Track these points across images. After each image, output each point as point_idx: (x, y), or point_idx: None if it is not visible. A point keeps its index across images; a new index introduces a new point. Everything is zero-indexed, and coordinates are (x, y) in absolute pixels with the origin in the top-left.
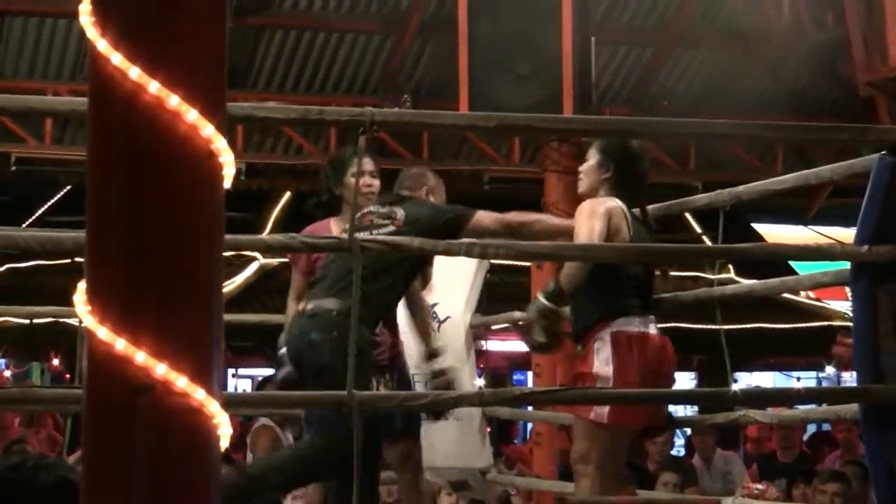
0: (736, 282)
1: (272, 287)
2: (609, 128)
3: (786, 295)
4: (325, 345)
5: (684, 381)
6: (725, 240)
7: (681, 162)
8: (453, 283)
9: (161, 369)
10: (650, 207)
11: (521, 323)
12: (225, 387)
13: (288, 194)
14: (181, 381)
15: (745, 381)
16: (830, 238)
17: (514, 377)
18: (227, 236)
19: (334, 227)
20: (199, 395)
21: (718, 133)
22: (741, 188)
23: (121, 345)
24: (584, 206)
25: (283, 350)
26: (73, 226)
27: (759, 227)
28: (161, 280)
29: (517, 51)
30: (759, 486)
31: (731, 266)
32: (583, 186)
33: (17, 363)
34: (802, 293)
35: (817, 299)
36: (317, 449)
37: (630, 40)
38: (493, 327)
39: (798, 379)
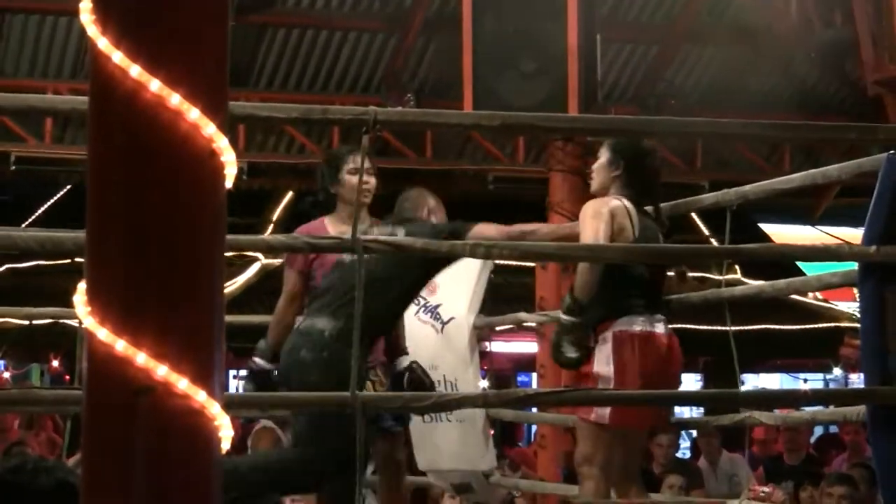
0: (743, 282)
1: (274, 288)
2: (615, 127)
3: (793, 296)
4: (314, 365)
5: (690, 382)
6: (732, 240)
7: (687, 161)
8: (457, 284)
9: (162, 371)
10: None
11: (551, 345)
12: (226, 388)
13: (290, 194)
14: (182, 383)
15: (751, 382)
16: (838, 238)
17: (518, 378)
18: (229, 236)
19: (329, 226)
20: (200, 396)
21: (725, 132)
22: (748, 187)
23: (121, 346)
24: (588, 208)
25: (259, 360)
26: (74, 226)
27: (766, 227)
28: (162, 280)
29: (522, 48)
30: (766, 489)
31: (737, 266)
32: (594, 184)
33: (16, 364)
34: (810, 294)
35: (825, 300)
36: (291, 462)
37: (636, 37)
38: (497, 328)
39: (805, 380)
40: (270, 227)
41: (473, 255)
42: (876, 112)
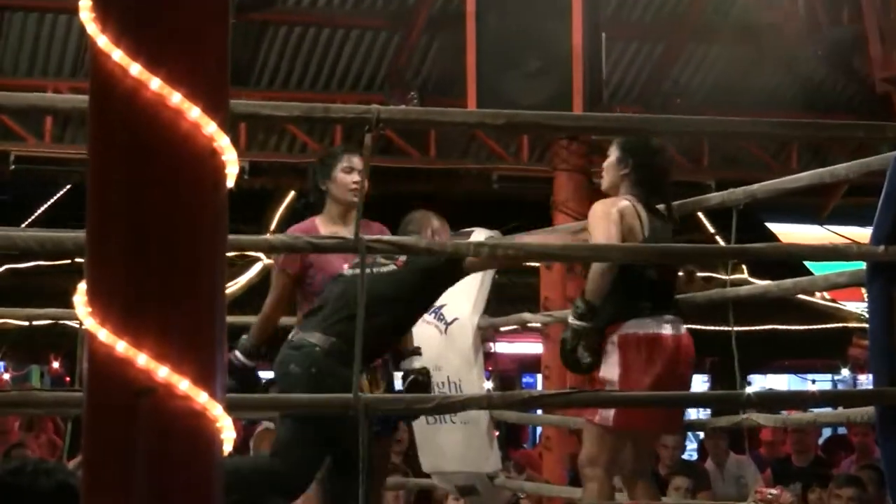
0: (750, 282)
1: None
2: (620, 126)
3: (800, 296)
4: (301, 380)
5: (697, 383)
6: (739, 239)
7: (694, 160)
8: (461, 284)
9: (163, 372)
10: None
11: (563, 352)
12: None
13: (292, 193)
14: (183, 384)
15: (759, 383)
16: (846, 238)
17: (523, 380)
18: (230, 236)
19: (320, 227)
20: (201, 398)
21: (732, 131)
22: (755, 186)
23: (122, 347)
24: (597, 209)
25: (240, 355)
26: (74, 226)
27: (774, 227)
28: (163, 281)
29: (526, 47)
30: (773, 491)
31: (744, 266)
32: (604, 183)
33: (16, 366)
34: (817, 294)
35: (832, 300)
36: (275, 468)
37: (641, 36)
38: (502, 329)
39: (813, 381)
40: (272, 226)
41: (477, 256)
42: (884, 110)
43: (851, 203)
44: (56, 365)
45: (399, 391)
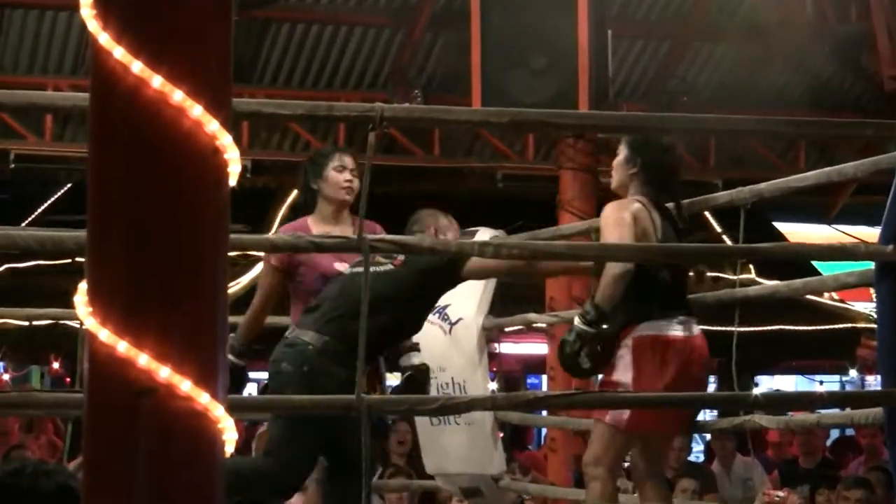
0: (757, 282)
1: None
2: (626, 124)
3: (808, 296)
4: (293, 378)
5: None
6: (746, 239)
7: (701, 159)
8: (466, 284)
9: (164, 372)
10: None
11: (563, 354)
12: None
13: (295, 192)
14: (185, 385)
15: (766, 384)
16: (854, 237)
17: (528, 381)
18: (233, 235)
19: (312, 226)
20: (203, 398)
21: (739, 129)
22: (762, 185)
23: (123, 347)
24: (609, 213)
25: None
26: (74, 225)
27: (781, 226)
28: (164, 280)
29: (531, 44)
30: (780, 493)
31: (751, 266)
32: (613, 182)
33: (16, 366)
34: (825, 294)
35: (841, 300)
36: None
37: (648, 33)
38: (507, 329)
39: (821, 382)
40: (275, 225)
41: (482, 256)
42: (893, 108)
43: (860, 202)
44: (56, 365)
45: (397, 388)
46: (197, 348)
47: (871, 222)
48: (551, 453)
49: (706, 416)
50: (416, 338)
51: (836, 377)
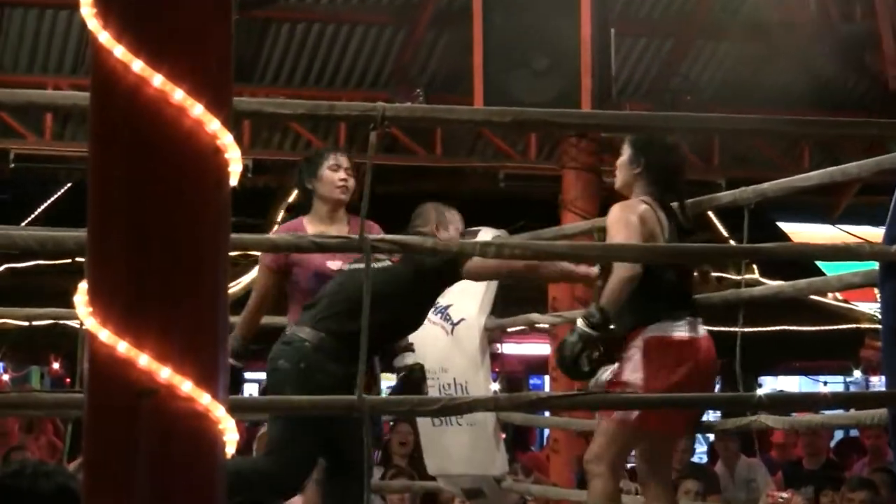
0: (761, 282)
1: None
2: (630, 123)
3: (812, 296)
4: (290, 375)
5: None
6: (750, 239)
7: (704, 158)
8: (468, 284)
9: (165, 373)
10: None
11: (562, 355)
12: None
13: (296, 192)
14: (186, 385)
15: (770, 385)
16: (858, 237)
17: (531, 381)
18: (233, 235)
19: (308, 226)
20: (204, 399)
21: (742, 128)
22: (766, 185)
23: (123, 347)
24: (615, 214)
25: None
26: (74, 225)
27: (785, 226)
28: (165, 280)
29: (534, 43)
30: (784, 495)
31: (755, 266)
32: (617, 182)
33: (15, 367)
34: (829, 294)
35: (845, 301)
36: (269, 468)
37: (651, 32)
38: (509, 330)
39: (825, 383)
40: (276, 225)
41: (484, 256)
42: None
43: (864, 202)
44: (56, 366)
45: (392, 389)
46: (198, 349)
47: (875, 222)
48: (554, 454)
49: (708, 416)
50: (418, 338)
51: (840, 378)
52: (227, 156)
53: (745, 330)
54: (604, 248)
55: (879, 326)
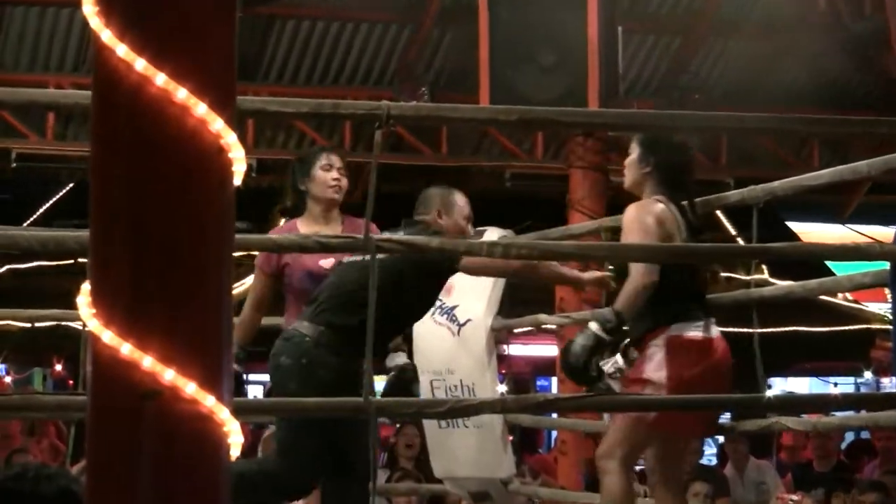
0: (770, 283)
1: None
2: (637, 122)
3: (822, 296)
4: (293, 371)
5: None
6: (759, 238)
7: (712, 157)
8: (474, 284)
9: (169, 375)
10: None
11: (572, 359)
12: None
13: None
14: (190, 387)
15: (779, 386)
16: (868, 237)
17: (538, 383)
18: (237, 235)
19: (302, 228)
20: (208, 401)
21: (750, 127)
22: (775, 184)
23: (127, 349)
24: (632, 216)
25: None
26: (77, 225)
27: (794, 226)
28: (168, 281)
29: (540, 40)
30: (794, 497)
31: (764, 266)
32: (626, 182)
33: (17, 369)
34: (839, 295)
35: (855, 301)
36: (277, 470)
37: (658, 28)
38: (516, 331)
39: (835, 384)
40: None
41: (490, 256)
42: None
43: (874, 201)
44: (59, 368)
45: (384, 390)
46: (202, 350)
47: (885, 221)
48: (562, 456)
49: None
50: (424, 339)
51: (851, 379)
52: (230, 155)
53: (756, 331)
54: (611, 247)
55: (890, 327)
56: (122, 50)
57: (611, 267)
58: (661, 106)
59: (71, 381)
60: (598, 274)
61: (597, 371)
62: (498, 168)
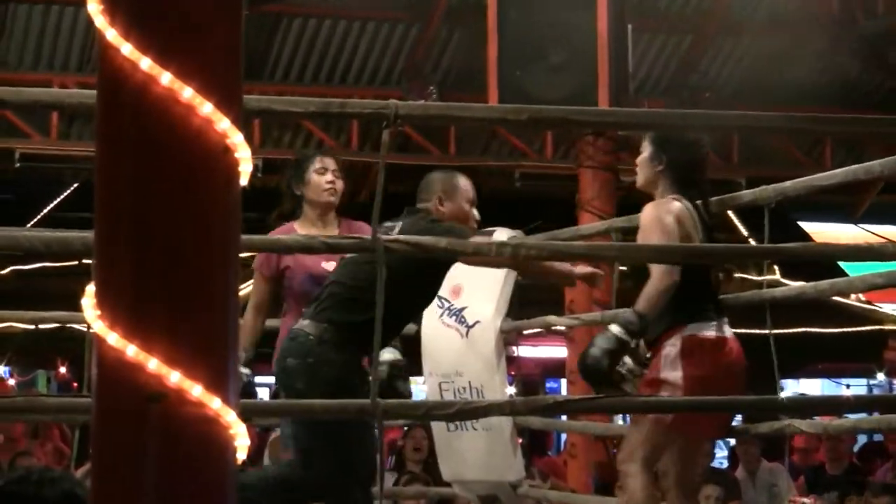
0: (782, 283)
1: None
2: (648, 121)
3: (835, 297)
4: (299, 371)
5: None
6: (771, 239)
7: (723, 156)
8: (482, 286)
9: (175, 377)
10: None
11: (595, 363)
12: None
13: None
14: (196, 390)
15: (791, 388)
16: (882, 237)
17: (548, 385)
18: (244, 236)
19: (299, 231)
20: (214, 404)
21: (762, 126)
22: (787, 184)
23: (132, 351)
24: (652, 215)
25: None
26: (81, 225)
27: (807, 226)
28: (174, 282)
29: (550, 39)
30: (807, 500)
31: (776, 267)
32: (638, 181)
33: (21, 371)
34: (852, 296)
35: (868, 302)
36: (299, 475)
37: (669, 27)
38: (525, 332)
39: (848, 386)
40: None
41: (500, 256)
42: None
43: (886, 201)
44: (63, 370)
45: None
46: (208, 352)
47: None
48: (571, 459)
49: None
50: (432, 341)
51: (864, 381)
52: (236, 155)
53: (768, 332)
54: (621, 248)
55: None
56: (127, 49)
57: (622, 267)
58: (672, 105)
59: (75, 384)
60: (588, 269)
61: (619, 375)
62: (507, 168)
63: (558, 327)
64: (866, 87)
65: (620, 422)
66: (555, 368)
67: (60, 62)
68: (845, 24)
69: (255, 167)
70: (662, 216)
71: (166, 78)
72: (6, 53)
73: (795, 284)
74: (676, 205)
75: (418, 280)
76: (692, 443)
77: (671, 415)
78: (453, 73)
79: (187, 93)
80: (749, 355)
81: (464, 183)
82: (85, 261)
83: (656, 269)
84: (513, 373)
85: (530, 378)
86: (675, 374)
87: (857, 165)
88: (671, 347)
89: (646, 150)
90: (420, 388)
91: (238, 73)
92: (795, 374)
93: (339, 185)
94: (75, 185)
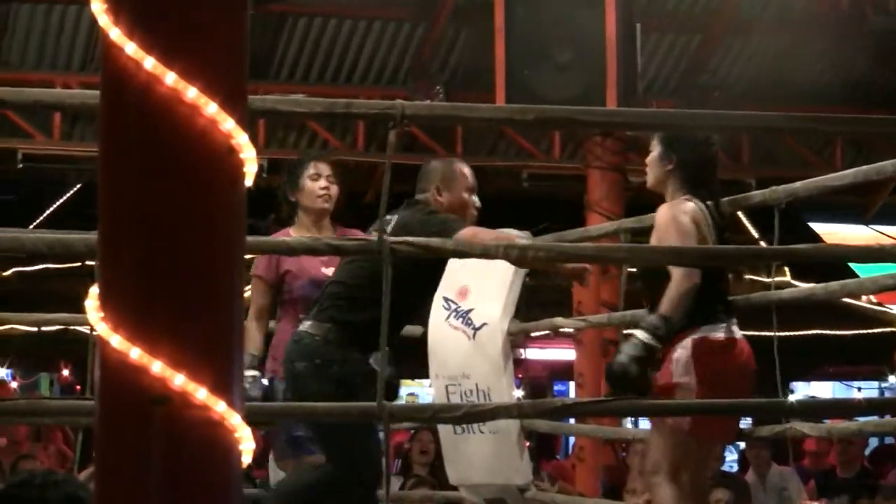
0: (792, 285)
1: None
2: (657, 121)
3: (845, 299)
4: (308, 373)
5: None
6: (782, 240)
7: (733, 157)
8: (489, 287)
9: (179, 380)
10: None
11: (625, 369)
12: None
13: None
14: (200, 393)
15: (802, 391)
16: (893, 238)
17: (555, 387)
18: (249, 238)
19: (294, 236)
20: (219, 407)
21: (772, 126)
22: (798, 185)
23: (136, 354)
24: (668, 216)
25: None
26: (84, 227)
27: (817, 227)
28: (178, 284)
29: (557, 38)
30: None
31: (786, 268)
32: (649, 180)
33: (24, 374)
34: (863, 297)
35: (879, 303)
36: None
37: (678, 26)
38: (533, 334)
39: (859, 389)
40: None
41: (507, 258)
42: None
43: None
44: (66, 373)
45: None
46: (213, 355)
47: None
48: (579, 462)
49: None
50: (439, 343)
51: (875, 383)
52: (241, 156)
53: (777, 334)
54: (630, 249)
55: None
56: (130, 48)
57: (632, 269)
58: (681, 105)
59: (78, 387)
60: (578, 265)
61: (648, 382)
62: (514, 168)
63: (566, 329)
64: (878, 85)
65: (629, 425)
66: (562, 371)
67: (63, 62)
68: (855, 21)
69: (260, 168)
70: (679, 217)
71: (170, 77)
72: (8, 53)
73: (805, 286)
74: (691, 205)
75: (417, 277)
76: (703, 446)
77: (689, 420)
78: (460, 72)
79: (192, 93)
80: (759, 357)
81: (462, 170)
82: (88, 262)
83: (677, 272)
84: (520, 375)
85: (538, 380)
86: (687, 378)
87: (868, 166)
88: (682, 350)
89: (655, 149)
90: (426, 391)
91: (243, 72)
92: (806, 376)
93: (334, 190)
94: (78, 185)
